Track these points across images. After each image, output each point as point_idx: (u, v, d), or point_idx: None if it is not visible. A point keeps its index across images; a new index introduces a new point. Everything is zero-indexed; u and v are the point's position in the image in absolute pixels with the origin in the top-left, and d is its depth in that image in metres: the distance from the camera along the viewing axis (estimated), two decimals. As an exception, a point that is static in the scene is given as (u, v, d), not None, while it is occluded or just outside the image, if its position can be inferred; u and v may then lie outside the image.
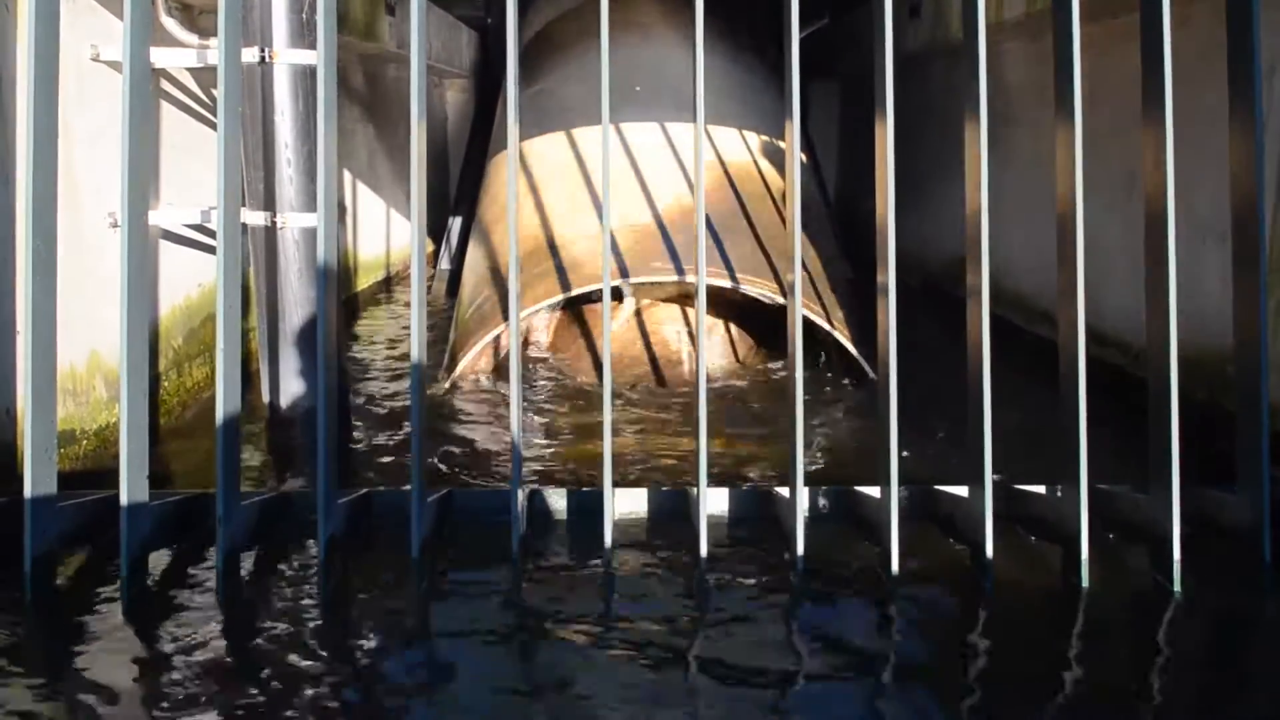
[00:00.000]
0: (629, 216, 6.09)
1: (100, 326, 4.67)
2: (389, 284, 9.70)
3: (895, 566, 3.61)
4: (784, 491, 4.06)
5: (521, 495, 3.88)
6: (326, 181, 3.75)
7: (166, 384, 5.40)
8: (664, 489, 4.31)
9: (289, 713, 2.88)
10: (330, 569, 3.63)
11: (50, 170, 3.65)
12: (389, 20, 7.66)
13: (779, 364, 6.38)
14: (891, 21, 3.82)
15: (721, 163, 6.65)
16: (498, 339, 6.05)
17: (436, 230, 10.08)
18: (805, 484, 3.90)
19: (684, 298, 6.61)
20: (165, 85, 5.38)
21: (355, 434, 5.33)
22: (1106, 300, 5.56)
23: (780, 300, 5.68)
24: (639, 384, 6.14)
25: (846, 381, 6.07)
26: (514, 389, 3.86)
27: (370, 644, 3.31)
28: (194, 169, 5.44)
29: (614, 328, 6.45)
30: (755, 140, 6.97)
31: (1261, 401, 3.69)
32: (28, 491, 3.52)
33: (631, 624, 3.40)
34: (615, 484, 3.93)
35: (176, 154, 5.38)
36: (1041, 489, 4.06)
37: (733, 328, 6.74)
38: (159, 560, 3.77)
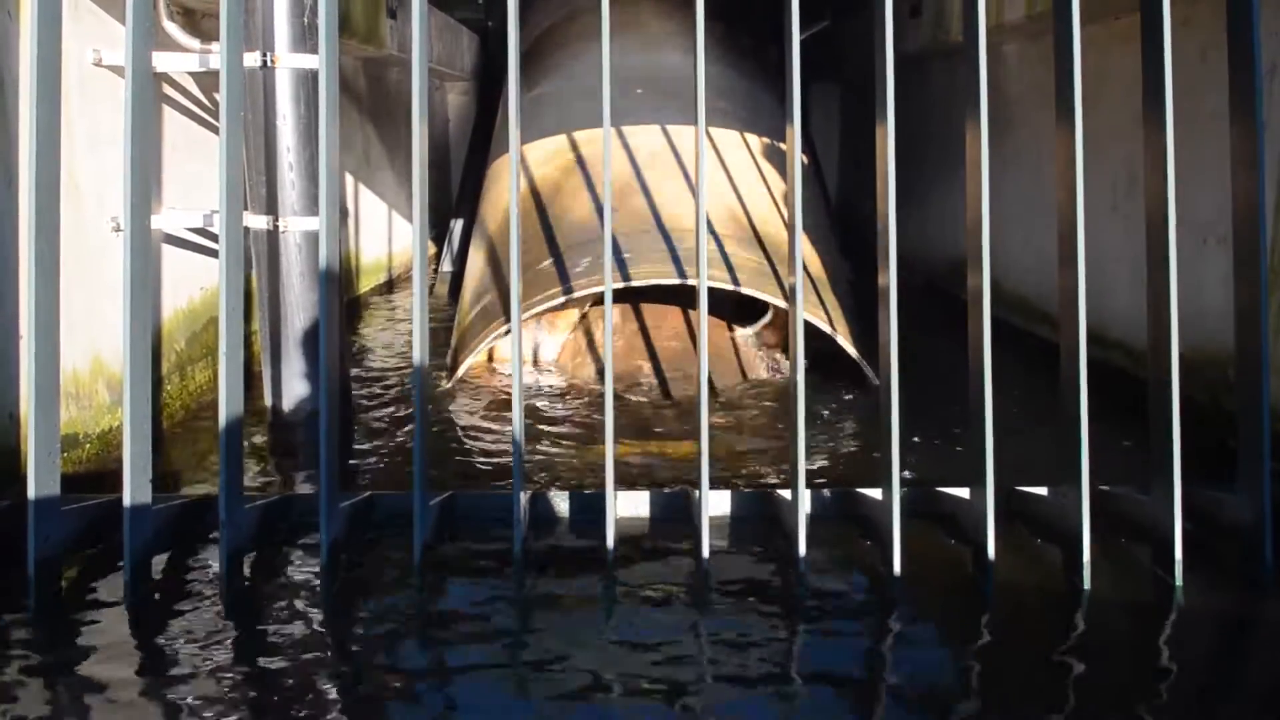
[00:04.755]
0: (632, 218, 6.10)
1: (103, 330, 4.69)
2: (391, 287, 9.71)
3: (897, 568, 3.61)
4: (785, 493, 4.06)
5: (524, 498, 3.89)
6: (328, 185, 3.76)
7: (169, 387, 5.41)
8: (666, 490, 4.32)
9: (291, 715, 2.89)
10: (333, 572, 3.64)
11: (53, 174, 3.65)
12: (390, 24, 7.67)
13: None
14: (892, 22, 3.82)
15: (723, 164, 6.65)
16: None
17: (438, 233, 10.09)
18: (807, 485, 3.90)
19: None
20: (167, 89, 5.39)
21: (356, 437, 5.34)
22: (1109, 303, 5.56)
23: (782, 304, 5.68)
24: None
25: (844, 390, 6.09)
26: (515, 391, 3.87)
27: (372, 647, 3.31)
28: (196, 173, 5.45)
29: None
30: (756, 142, 6.98)
31: (1262, 402, 3.69)
32: (31, 495, 3.53)
33: (632, 626, 3.41)
34: (617, 486, 3.93)
35: (179, 158, 5.39)
36: (1043, 490, 4.06)
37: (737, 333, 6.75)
38: (162, 563, 3.78)
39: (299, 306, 4.90)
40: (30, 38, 3.59)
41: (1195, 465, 3.73)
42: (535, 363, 6.53)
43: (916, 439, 4.93)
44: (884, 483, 3.74)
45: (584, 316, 6.68)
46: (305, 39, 4.69)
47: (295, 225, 4.79)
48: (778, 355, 6.53)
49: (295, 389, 4.97)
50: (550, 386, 6.17)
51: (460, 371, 6.00)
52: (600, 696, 2.99)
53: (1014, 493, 4.13)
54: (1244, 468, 3.75)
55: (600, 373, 6.30)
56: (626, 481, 4.50)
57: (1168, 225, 3.66)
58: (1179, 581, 3.58)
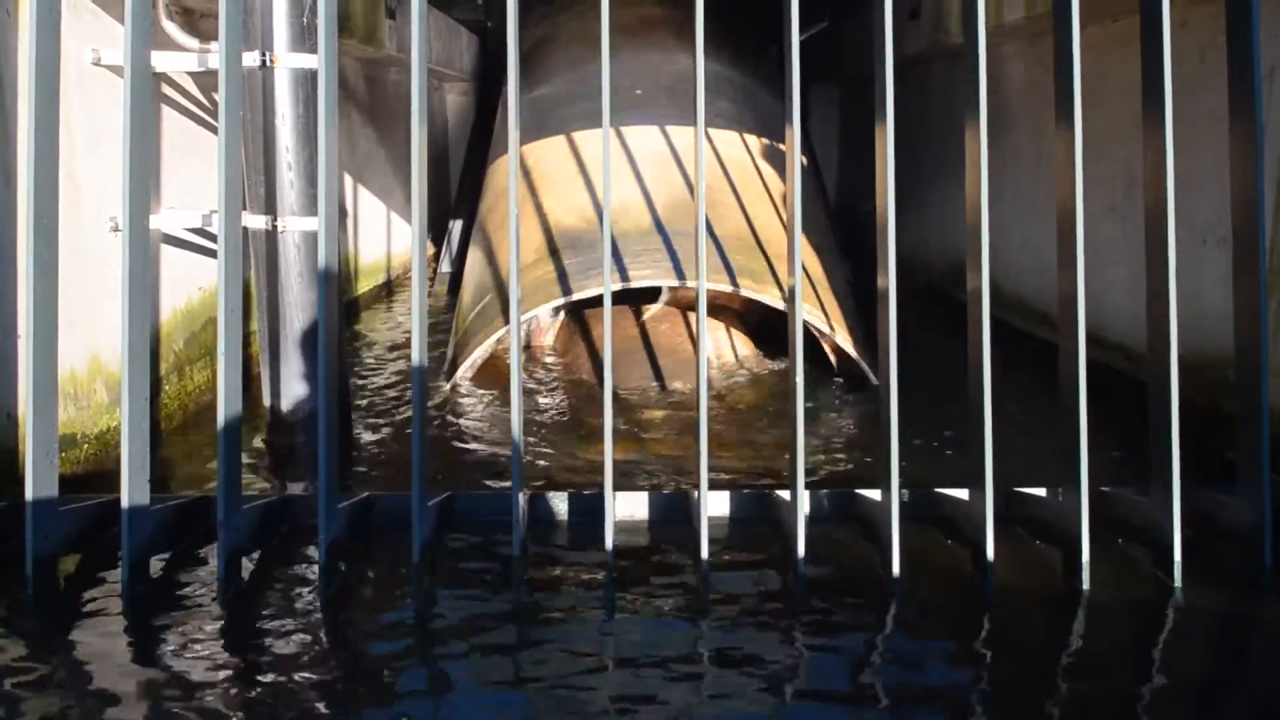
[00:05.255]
0: (632, 217, 6.09)
1: (101, 330, 4.68)
2: (390, 287, 9.70)
3: (896, 568, 3.61)
4: (785, 494, 4.06)
5: (522, 498, 3.88)
6: (327, 185, 3.76)
7: (167, 388, 5.41)
8: (665, 492, 4.31)
9: (290, 715, 2.88)
10: (331, 572, 3.63)
11: (52, 174, 3.65)
12: (389, 24, 7.67)
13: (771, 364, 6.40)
14: (891, 24, 3.82)
15: (722, 165, 6.65)
16: (498, 341, 6.06)
17: (437, 233, 10.09)
18: (806, 486, 3.90)
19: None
20: (166, 89, 5.39)
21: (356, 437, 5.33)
22: (1108, 304, 5.56)
23: (781, 305, 5.68)
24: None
25: (839, 384, 6.09)
26: (514, 390, 3.86)
27: (371, 648, 3.30)
28: (195, 173, 5.45)
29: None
30: (755, 143, 6.98)
31: (1262, 403, 3.69)
32: (29, 495, 3.53)
33: (633, 625, 3.41)
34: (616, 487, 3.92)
35: (177, 158, 5.38)
36: (1042, 491, 4.06)
37: (734, 330, 6.75)
38: (160, 563, 3.78)
39: (298, 307, 4.89)
40: (29, 37, 3.59)
41: (1195, 467, 3.73)
42: (529, 346, 6.65)
43: (916, 440, 4.93)
44: (883, 484, 3.73)
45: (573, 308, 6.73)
46: (304, 39, 4.68)
47: (294, 225, 4.79)
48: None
49: (294, 389, 4.96)
50: (546, 379, 6.19)
51: (460, 373, 6.00)
52: (597, 703, 2.98)
53: (1013, 494, 4.13)
54: (1243, 469, 3.75)
55: (595, 364, 6.32)
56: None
57: (1167, 226, 3.66)
58: (1178, 583, 3.58)
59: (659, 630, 3.37)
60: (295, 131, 4.76)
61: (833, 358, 6.11)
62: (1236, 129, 3.78)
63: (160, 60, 4.59)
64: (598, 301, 6.40)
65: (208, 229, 5.07)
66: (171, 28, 4.86)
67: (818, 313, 5.79)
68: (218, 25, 3.73)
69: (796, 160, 4.05)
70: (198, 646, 3.23)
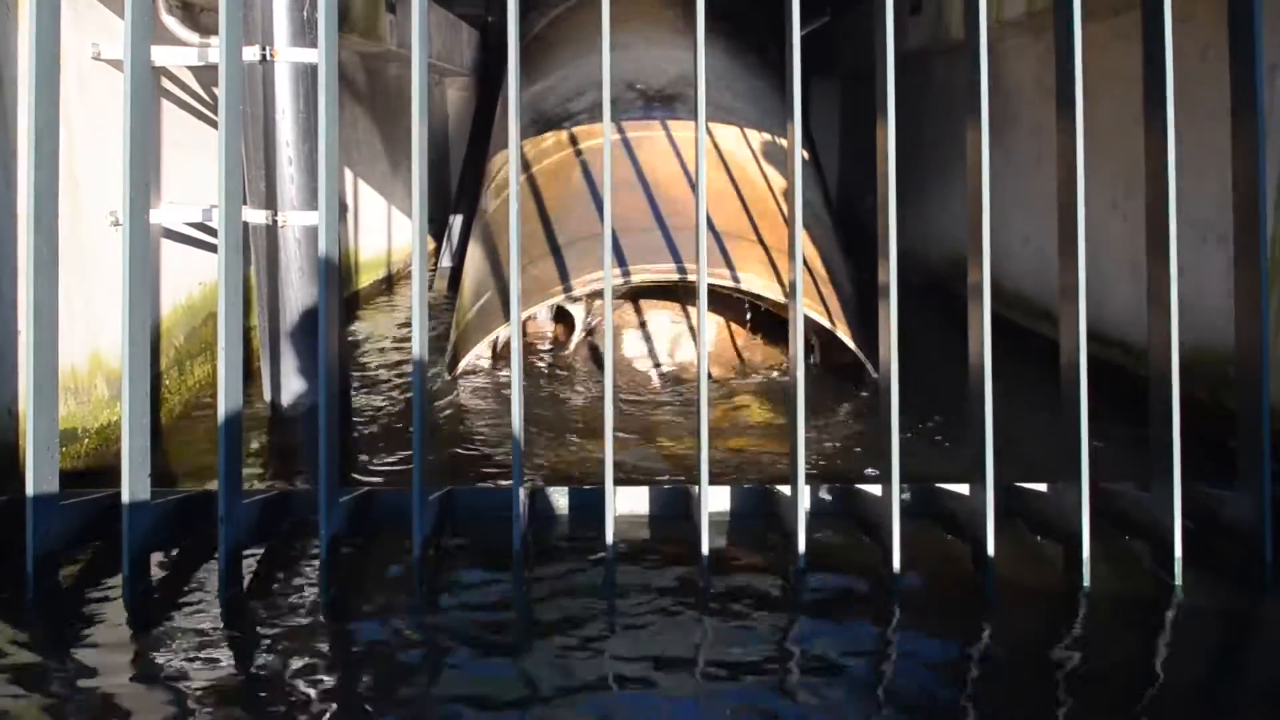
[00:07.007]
0: (633, 215, 6.09)
1: (102, 325, 4.68)
2: (390, 282, 9.70)
3: (896, 565, 3.61)
4: (785, 489, 4.06)
5: (523, 493, 3.88)
6: (327, 179, 3.75)
7: (168, 382, 5.41)
8: (665, 487, 4.31)
9: (290, 712, 2.88)
10: (332, 568, 3.63)
11: (52, 169, 3.65)
12: (390, 18, 7.66)
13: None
14: (892, 19, 3.82)
15: (723, 160, 6.65)
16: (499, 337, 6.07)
17: (438, 228, 10.08)
18: (806, 482, 3.90)
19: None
20: (166, 83, 5.38)
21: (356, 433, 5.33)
22: (1109, 300, 5.56)
23: (782, 299, 5.68)
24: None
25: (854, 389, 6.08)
26: (515, 387, 3.86)
27: (372, 645, 3.31)
28: (195, 167, 5.44)
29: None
30: (757, 139, 6.97)
31: (1262, 400, 3.69)
32: (30, 490, 3.53)
33: (633, 623, 3.41)
34: (616, 482, 3.92)
35: (178, 152, 5.38)
36: (1043, 487, 4.06)
37: (732, 325, 6.75)
38: (160, 559, 3.78)
39: (298, 301, 4.89)
40: (29, 31, 3.58)
41: (1196, 463, 3.73)
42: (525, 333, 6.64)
43: (915, 435, 4.93)
44: (884, 479, 3.74)
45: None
46: (305, 33, 4.68)
47: (294, 220, 4.79)
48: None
49: (294, 384, 4.97)
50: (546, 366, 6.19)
51: (460, 367, 6.00)
52: (599, 697, 2.98)
53: (1014, 489, 4.13)
54: (1244, 466, 3.75)
55: (594, 357, 6.32)
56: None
57: (1168, 223, 3.66)
58: (1178, 580, 3.58)
59: (659, 626, 3.37)
60: (296, 126, 4.76)
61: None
62: (1238, 124, 3.77)
63: (160, 55, 4.59)
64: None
65: (208, 224, 5.07)
66: (172, 22, 4.86)
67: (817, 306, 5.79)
68: (218, 19, 3.72)
69: (798, 156, 4.04)
70: (198, 641, 3.23)
